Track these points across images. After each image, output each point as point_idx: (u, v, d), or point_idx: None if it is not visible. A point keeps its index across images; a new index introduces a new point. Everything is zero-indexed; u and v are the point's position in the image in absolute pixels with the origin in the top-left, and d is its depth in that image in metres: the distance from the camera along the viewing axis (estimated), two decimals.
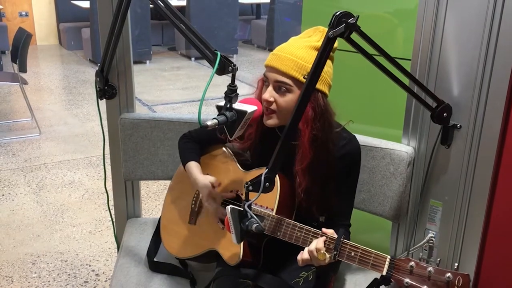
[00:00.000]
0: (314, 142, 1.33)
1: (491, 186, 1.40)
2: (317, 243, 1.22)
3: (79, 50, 7.87)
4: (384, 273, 1.17)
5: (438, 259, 1.15)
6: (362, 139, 1.58)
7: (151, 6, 7.12)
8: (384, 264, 1.18)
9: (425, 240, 1.54)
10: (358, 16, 1.13)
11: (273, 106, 1.35)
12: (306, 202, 1.38)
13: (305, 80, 1.31)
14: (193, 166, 1.54)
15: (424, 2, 1.42)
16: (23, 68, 4.19)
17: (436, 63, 1.43)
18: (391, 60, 1.26)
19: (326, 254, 1.20)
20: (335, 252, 1.21)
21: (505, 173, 1.38)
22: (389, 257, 1.19)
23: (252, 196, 1.16)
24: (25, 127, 4.60)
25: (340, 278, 1.61)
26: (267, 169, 1.17)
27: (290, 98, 1.33)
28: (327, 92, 1.37)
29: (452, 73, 1.41)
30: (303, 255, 1.24)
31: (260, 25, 8.55)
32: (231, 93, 1.22)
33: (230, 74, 1.25)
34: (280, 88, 1.33)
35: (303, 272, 1.42)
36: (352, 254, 1.20)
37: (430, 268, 1.13)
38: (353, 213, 1.56)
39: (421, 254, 1.57)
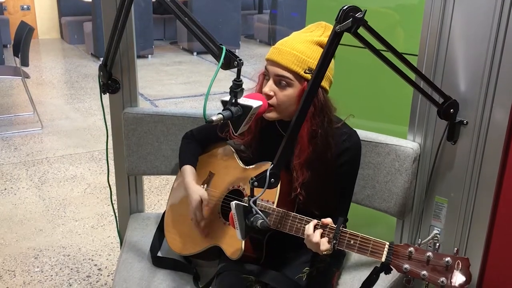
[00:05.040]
0: (313, 138, 1.33)
1: (497, 183, 1.39)
2: (315, 237, 1.21)
3: (81, 44, 7.86)
4: (383, 259, 1.16)
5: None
6: (367, 135, 1.57)
7: (153, 0, 7.10)
8: (383, 251, 1.16)
9: (430, 237, 1.53)
10: (366, 10, 1.11)
11: (273, 100, 1.33)
12: (304, 197, 1.37)
13: (306, 74, 1.30)
14: (188, 171, 1.55)
15: None
16: (25, 62, 4.18)
17: (443, 58, 1.42)
18: (398, 55, 1.24)
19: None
20: (335, 241, 1.20)
21: None
22: (387, 243, 1.17)
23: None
24: (27, 121, 4.60)
25: (344, 274, 1.60)
26: (272, 165, 1.16)
27: (290, 93, 1.32)
28: (327, 87, 1.37)
29: (459, 68, 1.39)
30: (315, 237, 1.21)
31: (262, 20, 8.53)
32: (236, 88, 1.20)
33: (235, 69, 1.24)
34: (280, 82, 1.32)
35: (306, 268, 1.41)
36: (352, 242, 1.20)
37: (429, 253, 1.11)
38: (357, 209, 1.55)
39: None
